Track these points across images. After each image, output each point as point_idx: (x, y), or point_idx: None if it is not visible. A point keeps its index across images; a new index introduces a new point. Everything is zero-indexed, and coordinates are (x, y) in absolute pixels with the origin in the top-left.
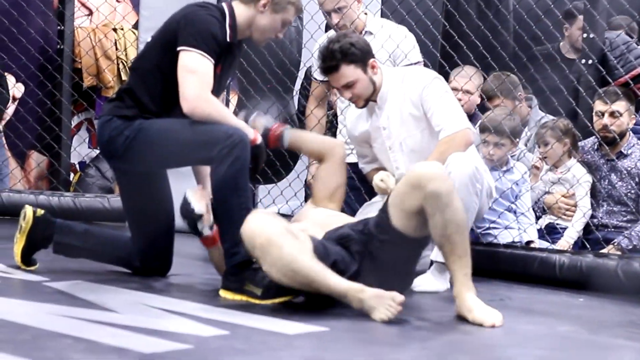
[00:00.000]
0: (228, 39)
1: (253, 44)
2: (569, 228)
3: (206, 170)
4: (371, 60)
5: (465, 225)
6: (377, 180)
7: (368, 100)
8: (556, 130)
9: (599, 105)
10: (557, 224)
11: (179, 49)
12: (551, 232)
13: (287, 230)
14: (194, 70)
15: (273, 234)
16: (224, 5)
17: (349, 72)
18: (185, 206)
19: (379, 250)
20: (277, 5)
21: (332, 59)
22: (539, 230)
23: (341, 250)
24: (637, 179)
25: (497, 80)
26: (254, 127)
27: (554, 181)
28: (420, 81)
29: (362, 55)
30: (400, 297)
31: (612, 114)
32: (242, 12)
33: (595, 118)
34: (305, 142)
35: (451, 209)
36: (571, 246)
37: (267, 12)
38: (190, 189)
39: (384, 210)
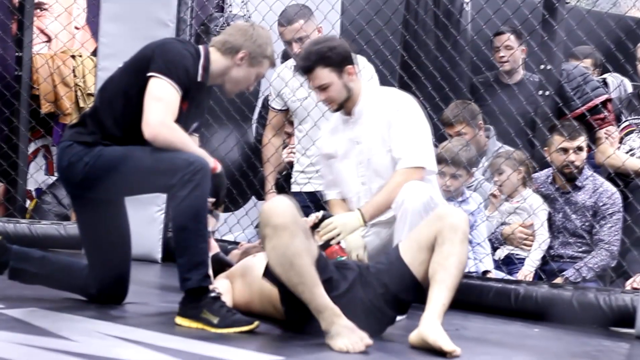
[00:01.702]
0: (199, 79)
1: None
2: (528, 258)
3: None
4: (348, 67)
5: (464, 269)
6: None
7: (342, 106)
8: (511, 160)
9: (563, 143)
10: (516, 254)
11: (148, 74)
12: (509, 263)
13: (304, 229)
14: (160, 97)
15: (292, 222)
16: (201, 47)
17: (323, 75)
18: None
19: (372, 281)
20: (254, 60)
21: (307, 60)
22: (496, 262)
23: (338, 273)
24: (591, 212)
25: (458, 108)
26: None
27: (510, 211)
28: (395, 103)
29: (338, 61)
30: (368, 341)
31: (575, 150)
32: (217, 60)
33: (556, 154)
34: None
35: (461, 247)
36: (530, 274)
37: (244, 66)
38: None
39: (395, 247)
